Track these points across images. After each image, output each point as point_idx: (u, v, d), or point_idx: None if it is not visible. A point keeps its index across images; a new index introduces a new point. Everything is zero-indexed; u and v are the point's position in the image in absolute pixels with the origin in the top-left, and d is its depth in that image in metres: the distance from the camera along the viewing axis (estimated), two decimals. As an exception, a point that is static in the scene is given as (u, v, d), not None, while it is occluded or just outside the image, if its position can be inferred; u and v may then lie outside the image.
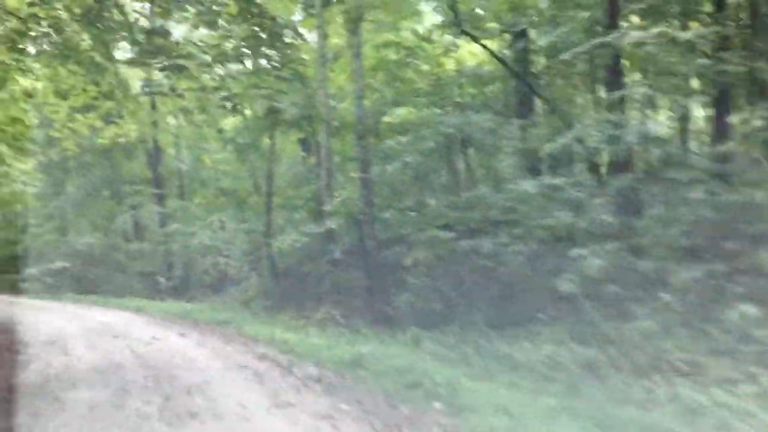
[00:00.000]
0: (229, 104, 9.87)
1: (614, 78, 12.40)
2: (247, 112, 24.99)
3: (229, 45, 9.29)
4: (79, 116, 12.24)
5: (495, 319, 10.04)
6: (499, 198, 11.00)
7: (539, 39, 14.59)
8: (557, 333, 8.62)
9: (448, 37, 16.54)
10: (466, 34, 13.01)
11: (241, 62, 10.04)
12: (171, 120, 29.33)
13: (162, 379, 8.28)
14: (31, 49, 9.09)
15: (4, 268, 34.93)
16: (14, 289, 28.86)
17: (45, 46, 8.91)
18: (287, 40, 9.47)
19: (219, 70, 9.58)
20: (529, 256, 9.35)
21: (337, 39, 17.49)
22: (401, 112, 17.67)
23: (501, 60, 13.25)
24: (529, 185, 9.82)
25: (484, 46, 13.26)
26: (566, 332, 8.47)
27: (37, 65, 10.21)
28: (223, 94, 9.63)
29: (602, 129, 9.75)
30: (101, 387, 7.91)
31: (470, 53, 18.13)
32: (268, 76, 10.00)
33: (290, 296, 17.78)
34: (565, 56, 10.92)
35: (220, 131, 33.13)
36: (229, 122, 36.54)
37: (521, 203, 9.97)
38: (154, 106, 26.77)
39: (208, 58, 9.13)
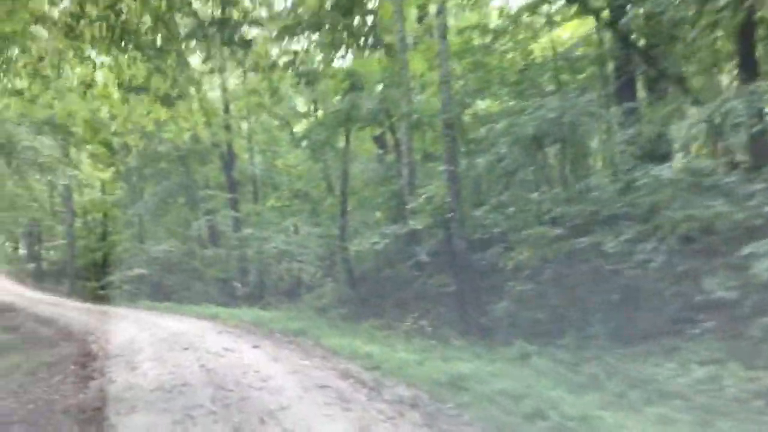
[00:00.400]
0: (303, 80, 8.71)
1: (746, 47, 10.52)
2: (320, 113, 24.09)
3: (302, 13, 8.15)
4: (136, 104, 11.39)
5: (619, 332, 8.34)
6: (616, 188, 9.31)
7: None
8: (710, 351, 6.86)
9: (538, 18, 14.92)
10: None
11: (317, 32, 8.87)
12: (243, 124, 28.98)
13: (232, 402, 7.07)
14: (88, 34, 8.24)
15: (85, 276, 35.60)
16: (94, 297, 29.04)
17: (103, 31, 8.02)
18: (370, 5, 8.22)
19: (290, 43, 8.46)
20: (666, 256, 7.61)
21: (415, 24, 16.13)
22: (486, 103, 16.15)
23: (617, 32, 11.48)
24: (662, 171, 8.07)
25: (597, 16, 11.56)
26: (723, 350, 6.71)
27: (94, 52, 9.42)
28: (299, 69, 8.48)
29: (751, 101, 7.91)
30: (163, 411, 6.78)
31: (558, 38, 16.41)
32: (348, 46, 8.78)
33: (369, 303, 16.51)
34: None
35: (293, 133, 32.63)
36: (302, 126, 36.03)
37: (651, 193, 8.23)
38: (227, 109, 26.31)
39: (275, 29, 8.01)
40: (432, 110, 15.74)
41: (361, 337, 12.66)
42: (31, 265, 38.65)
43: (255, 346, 11.41)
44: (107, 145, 29.32)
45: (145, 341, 12.79)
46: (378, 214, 20.14)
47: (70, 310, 22.22)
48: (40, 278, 36.62)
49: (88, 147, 24.20)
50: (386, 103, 14.69)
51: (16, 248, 42.99)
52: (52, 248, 38.94)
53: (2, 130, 12.40)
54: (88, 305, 24.67)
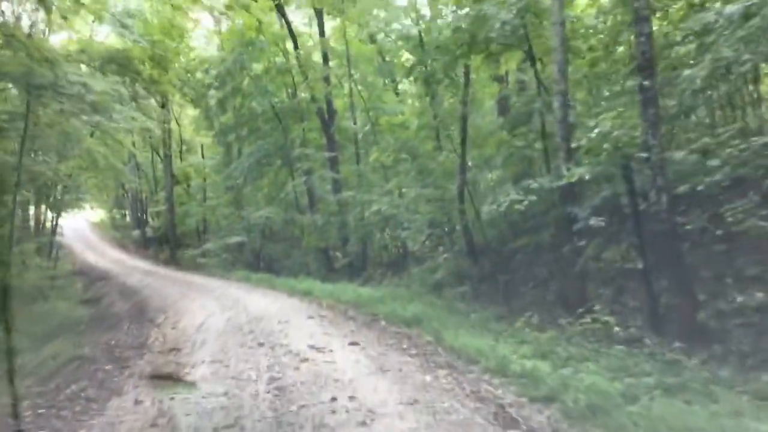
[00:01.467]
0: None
1: None
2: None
3: None
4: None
5: None
6: None
7: None
8: None
9: None
10: None
11: None
12: (344, 83, 25.77)
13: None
14: None
15: (185, 243, 34.28)
16: (191, 265, 27.25)
17: None
18: None
19: None
20: None
21: None
22: None
23: None
24: None
25: None
26: None
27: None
28: None
29: None
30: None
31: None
32: None
33: (497, 282, 12.82)
34: None
35: (397, 90, 29.04)
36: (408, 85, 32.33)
37: None
38: (326, 59, 23.10)
39: None
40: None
41: (494, 332, 9.03)
42: (136, 232, 38.00)
43: (352, 343, 8.06)
44: (202, 103, 27.20)
45: (218, 328, 9.83)
46: (492, 175, 16.32)
47: (159, 280, 20.17)
48: (144, 245, 35.76)
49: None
50: (527, 16, 10.71)
51: (124, 215, 42.76)
52: (156, 215, 38.04)
53: (51, 69, 10.06)
54: (180, 274, 22.67)
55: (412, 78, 15.90)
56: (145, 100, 20.50)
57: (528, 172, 13.18)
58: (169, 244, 31.87)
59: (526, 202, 8.63)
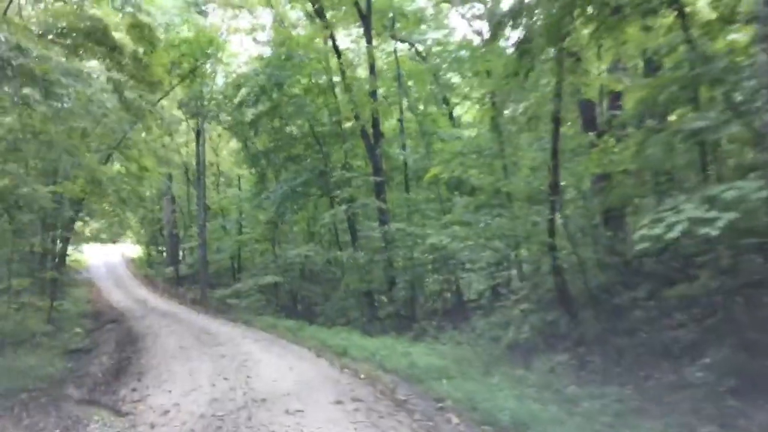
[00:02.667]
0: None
1: None
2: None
3: None
4: None
5: None
6: None
7: None
8: None
9: None
10: None
11: None
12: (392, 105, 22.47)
13: None
14: None
15: (219, 282, 31.14)
16: (218, 307, 23.86)
17: None
18: None
19: None
20: None
21: None
22: None
23: None
24: None
25: None
26: None
27: None
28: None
29: None
30: None
31: None
32: None
33: (606, 348, 8.81)
34: None
35: (452, 115, 25.54)
36: (462, 109, 28.80)
37: None
38: (372, 69, 19.75)
39: None
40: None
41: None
42: (170, 269, 35.17)
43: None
44: (238, 128, 24.24)
45: (189, 422, 6.12)
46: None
47: (171, 325, 16.76)
48: (176, 283, 32.77)
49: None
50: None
51: (161, 251, 40.10)
52: (190, 251, 35.19)
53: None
54: (200, 318, 19.23)
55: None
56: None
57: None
58: (200, 283, 28.67)
59: (722, 223, 4.72)
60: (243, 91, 21.31)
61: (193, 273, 32.62)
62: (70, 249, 29.68)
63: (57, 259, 18.78)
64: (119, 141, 19.53)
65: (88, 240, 33.09)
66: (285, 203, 20.13)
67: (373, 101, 19.25)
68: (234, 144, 32.92)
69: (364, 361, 9.69)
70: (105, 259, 40.11)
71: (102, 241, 51.82)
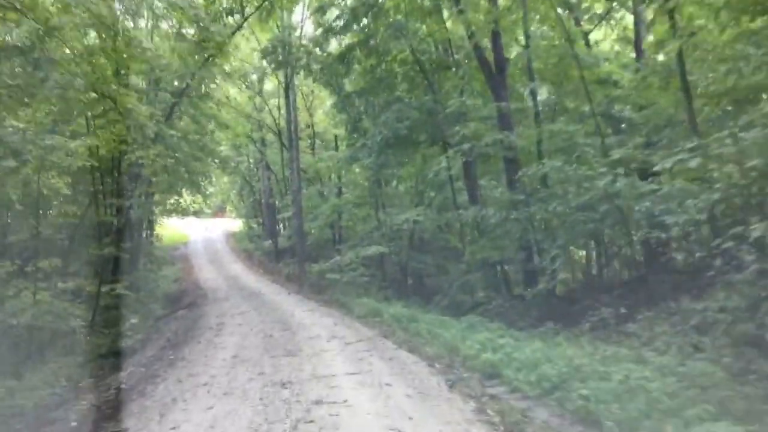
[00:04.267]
0: None
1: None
2: None
3: None
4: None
5: None
6: None
7: None
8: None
9: None
10: None
11: None
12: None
13: None
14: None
15: (319, 254, 27.40)
16: (315, 284, 19.97)
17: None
18: None
19: None
20: None
21: None
22: None
23: None
24: None
25: None
26: None
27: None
28: None
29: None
30: None
31: None
32: None
33: None
34: None
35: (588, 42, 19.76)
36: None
37: None
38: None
39: None
40: None
41: None
42: (268, 243, 32.08)
43: None
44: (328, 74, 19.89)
45: None
46: None
47: (251, 310, 12.95)
48: (275, 257, 29.53)
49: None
50: None
51: (261, 224, 37.22)
52: (287, 221, 31.79)
53: None
54: (289, 300, 15.32)
55: None
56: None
57: None
58: (296, 257, 25.03)
59: None
60: (329, 15, 16.83)
61: (292, 245, 29.18)
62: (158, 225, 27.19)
63: (123, 232, 15.41)
64: (186, 86, 15.70)
65: (187, 214, 30.47)
66: (386, 152, 15.48)
67: (492, 9, 14.13)
68: (329, 103, 28.93)
69: (540, 398, 4.97)
70: (205, 234, 37.93)
71: (205, 215, 50.34)
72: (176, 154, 16.02)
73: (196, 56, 15.11)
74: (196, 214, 51.14)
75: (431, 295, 20.14)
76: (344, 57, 16.38)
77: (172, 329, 11.46)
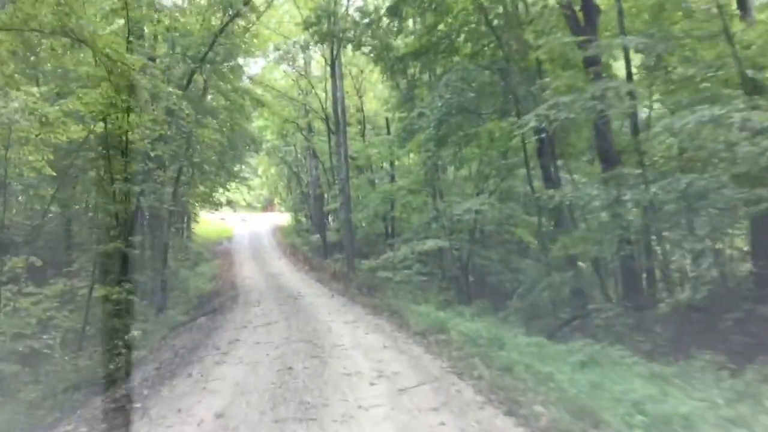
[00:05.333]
0: None
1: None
2: None
3: None
4: None
5: None
6: None
7: None
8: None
9: None
10: None
11: None
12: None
13: None
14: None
15: (370, 250, 24.58)
16: (364, 284, 17.11)
17: None
18: None
19: None
20: None
21: None
22: None
23: None
24: None
25: None
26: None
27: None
28: None
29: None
30: None
31: None
32: None
33: None
34: None
35: None
36: None
37: None
38: None
39: None
40: None
41: None
42: (315, 237, 29.51)
43: None
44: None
45: None
46: None
47: (280, 320, 10.15)
48: (323, 252, 26.92)
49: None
50: None
51: (309, 217, 34.64)
52: (335, 214, 29.04)
53: None
54: (331, 305, 12.47)
55: None
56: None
57: None
58: (344, 252, 22.27)
59: None
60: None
61: (341, 240, 26.48)
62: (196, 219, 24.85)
63: (132, 224, 12.92)
64: (207, 50, 13.05)
65: (229, 207, 28.26)
66: (449, 122, 12.30)
67: None
68: (382, 85, 26.04)
69: None
70: (251, 228, 35.74)
71: (254, 209, 48.50)
72: (198, 133, 13.40)
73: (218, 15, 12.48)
74: (243, 208, 49.33)
75: (497, 296, 17.02)
76: (396, 9, 13.33)
77: (177, 347, 8.80)
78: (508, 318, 11.68)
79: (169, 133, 11.83)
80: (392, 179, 23.11)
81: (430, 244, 16.50)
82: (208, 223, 36.24)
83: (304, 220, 34.67)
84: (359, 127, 27.33)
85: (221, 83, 15.65)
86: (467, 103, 11.78)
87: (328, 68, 22.82)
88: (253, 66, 25.36)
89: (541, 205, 12.46)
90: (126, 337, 9.63)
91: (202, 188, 17.83)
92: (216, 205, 24.09)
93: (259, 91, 23.78)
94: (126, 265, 11.00)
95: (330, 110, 25.56)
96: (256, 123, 29.60)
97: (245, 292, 16.10)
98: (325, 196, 29.53)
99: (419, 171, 17.78)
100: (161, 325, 11.73)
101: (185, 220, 23.57)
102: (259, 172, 36.94)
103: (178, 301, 16.36)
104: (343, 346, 7.49)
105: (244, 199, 49.50)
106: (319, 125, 29.67)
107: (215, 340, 8.57)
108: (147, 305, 13.69)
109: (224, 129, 16.16)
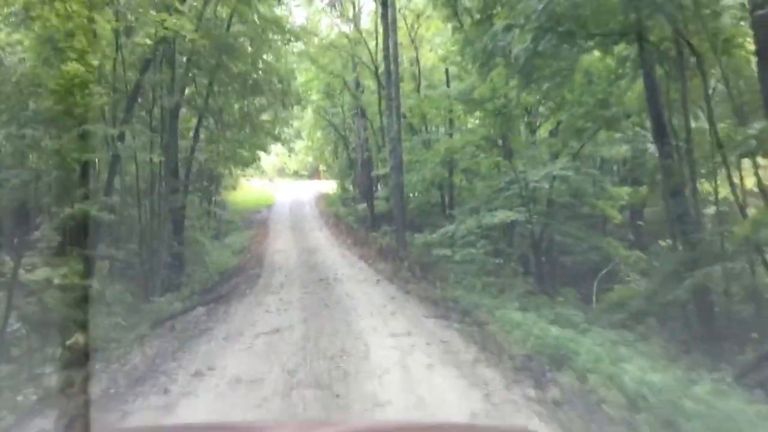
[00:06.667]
0: None
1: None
2: None
3: None
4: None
5: None
6: None
7: None
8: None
9: None
10: None
11: None
12: None
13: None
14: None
15: (424, 221, 20.96)
16: (422, 259, 13.55)
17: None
18: None
19: None
20: None
21: None
22: None
23: None
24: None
25: None
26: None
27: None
28: None
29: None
30: None
31: None
32: None
33: None
34: None
35: None
36: None
37: None
38: None
39: None
40: None
41: None
42: (362, 206, 26.05)
43: None
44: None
45: None
46: None
47: (296, 324, 6.63)
48: (371, 224, 23.46)
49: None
50: None
51: (356, 184, 31.14)
52: (384, 180, 25.39)
53: None
54: (375, 295, 8.94)
55: None
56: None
57: None
58: (393, 224, 18.67)
59: None
60: None
61: (391, 210, 22.91)
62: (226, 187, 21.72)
63: (111, 179, 9.64)
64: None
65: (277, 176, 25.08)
66: (550, 40, 8.19)
67: None
68: (439, 39, 22.04)
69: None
70: (294, 196, 32.55)
71: (300, 177, 45.58)
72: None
73: None
74: (289, 176, 46.30)
75: (569, 280, 13.41)
76: None
77: (136, 362, 5.47)
78: (628, 326, 7.85)
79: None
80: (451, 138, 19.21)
81: (500, 216, 12.79)
82: (249, 190, 33.35)
83: (350, 188, 31.19)
84: (413, 84, 23.42)
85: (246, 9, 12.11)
86: (577, 6, 7.76)
87: (380, 8, 19.01)
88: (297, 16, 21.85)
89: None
90: (68, 342, 6.36)
91: (220, 148, 14.54)
92: (250, 168, 20.95)
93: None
94: (87, 236, 7.72)
95: (381, 63, 21.88)
96: (301, 80, 26.32)
97: (270, 271, 12.77)
98: (374, 160, 25.88)
99: (489, 124, 13.84)
100: (145, 317, 8.47)
101: (213, 184, 20.44)
102: (303, 135, 33.49)
103: (192, 279, 13.24)
104: (389, 403, 3.92)
105: (289, 167, 46.50)
106: (369, 83, 26.00)
107: (177, 365, 5.16)
108: (138, 287, 10.51)
109: (249, 68, 12.75)
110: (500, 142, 13.24)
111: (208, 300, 9.56)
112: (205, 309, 8.71)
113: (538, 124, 14.18)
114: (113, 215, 8.56)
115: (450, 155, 14.78)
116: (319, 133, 33.20)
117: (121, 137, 8.80)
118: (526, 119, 13.82)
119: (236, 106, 14.25)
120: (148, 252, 12.00)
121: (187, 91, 14.12)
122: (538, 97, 12.70)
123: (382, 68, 21.02)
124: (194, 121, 14.73)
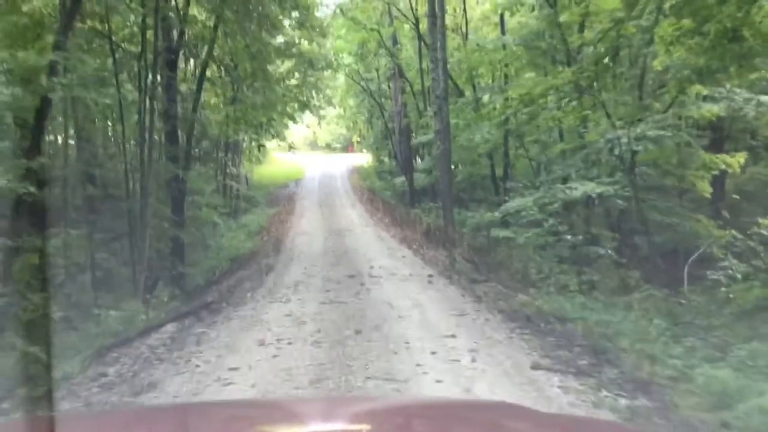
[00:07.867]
0: None
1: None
2: None
3: None
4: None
5: None
6: None
7: None
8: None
9: None
10: None
11: None
12: None
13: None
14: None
15: (473, 197, 17.54)
16: (476, 244, 10.31)
17: None
18: None
19: None
20: None
21: None
22: None
23: None
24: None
25: None
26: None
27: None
28: None
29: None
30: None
31: None
32: None
33: None
34: None
35: None
36: None
37: None
38: None
39: None
40: None
41: None
42: (400, 180, 22.75)
43: None
44: None
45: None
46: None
47: (313, 363, 3.46)
48: (410, 199, 20.22)
49: None
50: None
51: (394, 156, 27.72)
52: (426, 150, 21.93)
53: None
54: (433, 299, 5.77)
55: None
56: None
57: None
58: (438, 200, 15.35)
59: None
60: None
61: (433, 184, 19.57)
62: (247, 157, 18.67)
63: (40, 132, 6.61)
64: None
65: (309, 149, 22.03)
66: None
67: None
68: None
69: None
70: (325, 169, 29.44)
71: (333, 149, 42.50)
72: None
73: None
74: (322, 149, 43.19)
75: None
76: None
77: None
78: None
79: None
80: (506, 100, 15.63)
81: (579, 190, 9.40)
82: (278, 164, 30.43)
83: (386, 160, 27.85)
84: (458, 40, 19.81)
85: None
86: None
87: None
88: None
89: None
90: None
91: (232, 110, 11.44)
92: (276, 138, 18.00)
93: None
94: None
95: (421, 16, 18.40)
96: (332, 44, 23.21)
97: (287, 261, 9.69)
98: (413, 128, 22.44)
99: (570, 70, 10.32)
100: (91, 338, 5.49)
101: (230, 153, 17.45)
102: (335, 102, 30.12)
103: (196, 269, 10.33)
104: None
105: (320, 140, 43.45)
106: (405, 44, 22.55)
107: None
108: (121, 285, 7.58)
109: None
110: (594, 87, 9.65)
111: (188, 311, 6.51)
112: (174, 328, 5.67)
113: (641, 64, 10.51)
114: (38, 189, 5.49)
115: (521, 107, 11.21)
116: (351, 101, 29.90)
117: (54, 69, 5.66)
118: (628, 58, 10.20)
119: (247, 54, 11.08)
120: (130, 238, 9.13)
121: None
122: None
123: (423, 24, 17.62)
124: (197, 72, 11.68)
